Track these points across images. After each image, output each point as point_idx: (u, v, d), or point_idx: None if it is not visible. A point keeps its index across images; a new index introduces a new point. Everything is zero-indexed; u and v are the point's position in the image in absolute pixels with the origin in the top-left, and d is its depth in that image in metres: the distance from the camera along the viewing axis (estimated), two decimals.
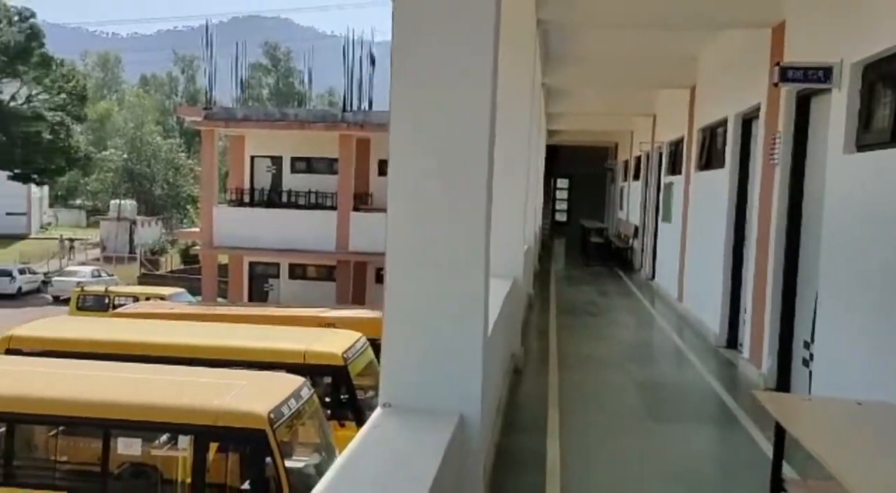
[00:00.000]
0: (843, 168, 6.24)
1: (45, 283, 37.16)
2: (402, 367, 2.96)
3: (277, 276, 26.78)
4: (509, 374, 7.50)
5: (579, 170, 30.21)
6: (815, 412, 4.05)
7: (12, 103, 41.97)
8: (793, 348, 7.55)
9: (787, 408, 4.04)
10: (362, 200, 25.82)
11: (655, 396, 7.81)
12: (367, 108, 26.68)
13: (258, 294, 26.45)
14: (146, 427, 8.15)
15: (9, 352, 10.81)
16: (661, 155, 16.41)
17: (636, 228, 19.54)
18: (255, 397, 8.19)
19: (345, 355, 10.64)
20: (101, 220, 53.64)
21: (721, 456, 6.30)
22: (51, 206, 66.33)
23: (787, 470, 4.50)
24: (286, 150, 27.15)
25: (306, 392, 8.75)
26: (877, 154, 5.67)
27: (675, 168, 14.59)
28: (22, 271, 37.26)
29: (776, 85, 7.13)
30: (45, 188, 57.82)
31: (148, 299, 21.07)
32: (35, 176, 44.93)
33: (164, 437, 8.40)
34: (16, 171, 43.56)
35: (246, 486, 8.00)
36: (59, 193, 66.93)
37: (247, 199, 26.93)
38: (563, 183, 32.31)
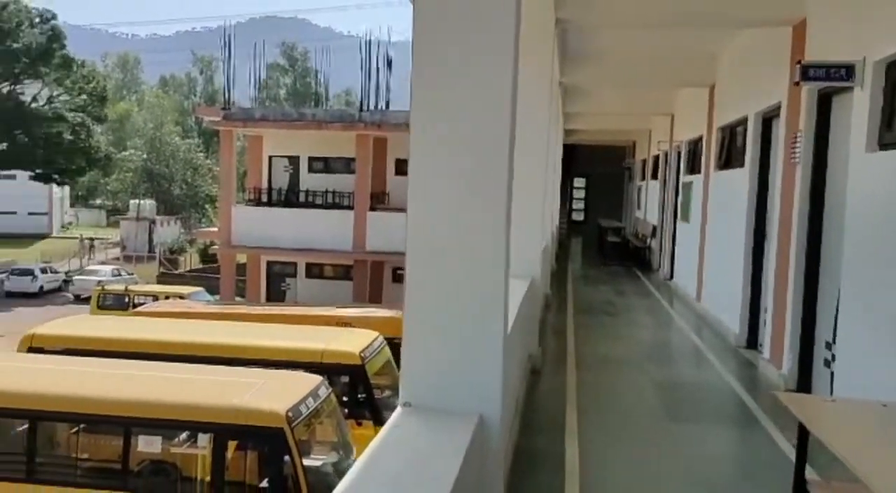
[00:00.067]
0: (865, 167, 6.17)
1: (66, 282, 37.59)
2: (422, 367, 2.96)
3: (295, 275, 26.90)
4: (527, 374, 7.48)
5: (596, 169, 30.10)
6: (839, 413, 4.01)
7: (34, 104, 42.43)
8: (814, 349, 7.48)
9: (811, 409, 4.00)
10: (379, 200, 25.88)
11: (674, 396, 7.76)
12: (384, 107, 26.73)
13: (276, 293, 26.59)
14: (166, 425, 8.22)
15: (31, 350, 10.94)
16: (679, 154, 16.31)
17: (654, 228, 19.44)
18: (274, 395, 8.23)
19: (362, 355, 10.66)
20: (120, 219, 54.21)
21: (741, 457, 6.25)
22: (72, 206, 67.12)
23: (809, 472, 4.45)
24: (304, 149, 27.27)
25: (324, 391, 8.79)
26: None
27: (693, 167, 14.49)
28: (44, 271, 37.72)
29: (797, 84, 7.06)
30: (66, 188, 58.51)
31: (167, 298, 21.24)
32: (56, 176, 45.40)
33: (184, 435, 8.47)
34: (37, 171, 44.04)
35: (264, 484, 8.04)
36: (80, 193, 67.67)
37: (265, 198, 27.08)
38: (580, 182, 32.21)
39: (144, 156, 60.65)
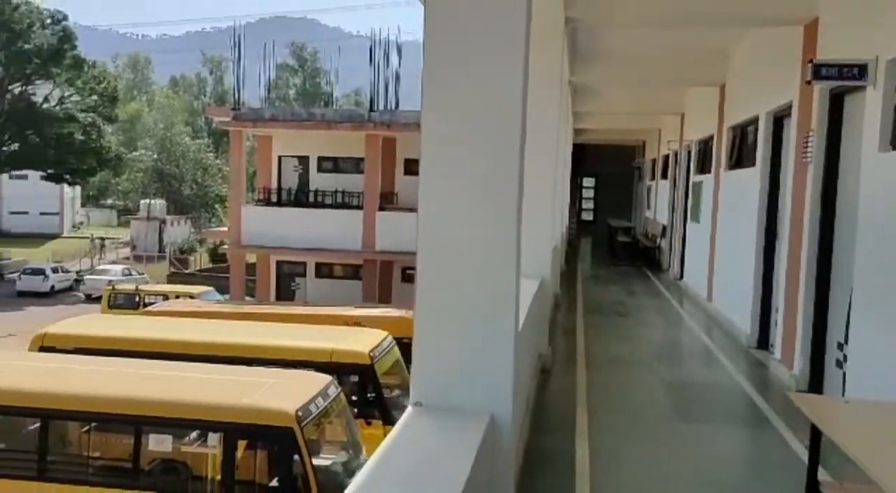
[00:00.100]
0: (878, 166, 6.13)
1: (77, 281, 37.81)
2: (433, 366, 2.96)
3: (304, 275, 26.97)
4: (537, 373, 7.47)
5: (606, 169, 30.04)
6: (852, 414, 3.99)
7: (46, 105, 42.70)
8: (826, 350, 7.43)
9: (823, 410, 3.98)
10: (388, 200, 25.91)
11: (685, 397, 7.73)
12: (393, 107, 26.75)
13: (285, 293, 26.66)
14: (176, 424, 8.26)
15: (43, 349, 11.01)
16: (689, 154, 16.25)
17: (664, 228, 19.38)
18: (283, 395, 8.26)
19: (371, 354, 10.68)
20: (131, 219, 54.48)
21: (753, 458, 6.22)
22: (83, 205, 67.53)
23: (822, 473, 4.43)
24: (313, 149, 27.33)
25: (333, 391, 8.81)
26: None
27: (704, 167, 14.44)
28: (55, 270, 37.94)
29: (809, 83, 7.02)
30: (77, 188, 58.89)
31: (177, 297, 21.33)
32: (67, 176, 45.68)
33: (194, 434, 8.51)
34: (49, 171, 44.32)
35: (274, 483, 8.06)
36: (91, 193, 68.07)
37: (274, 198, 27.16)
38: (589, 182, 32.16)
39: (155, 156, 60.94)
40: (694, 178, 15.47)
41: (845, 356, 6.73)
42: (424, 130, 2.90)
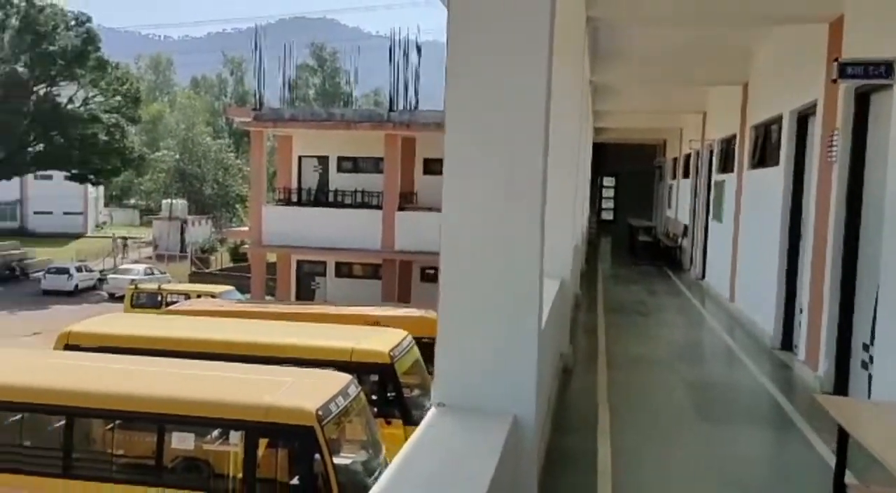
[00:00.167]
0: None
1: (100, 280, 38.22)
2: (456, 367, 2.95)
3: (324, 274, 27.08)
4: (558, 373, 7.44)
5: (626, 168, 29.87)
6: (880, 416, 3.93)
7: (70, 106, 43.18)
8: (851, 351, 7.34)
9: (850, 412, 3.93)
10: (407, 200, 25.94)
11: (708, 397, 7.67)
12: (412, 107, 26.77)
13: (305, 292, 26.78)
14: (198, 422, 8.33)
15: (67, 348, 11.15)
16: (711, 153, 16.12)
17: (685, 227, 19.24)
18: (304, 394, 8.30)
19: (391, 354, 10.70)
20: (153, 219, 54.99)
21: (777, 459, 6.16)
22: (106, 205, 68.26)
23: (847, 476, 4.37)
24: (333, 149, 27.43)
25: (353, 390, 8.84)
26: None
27: (726, 166, 14.31)
28: (79, 269, 38.38)
29: (835, 81, 6.94)
30: (101, 188, 59.51)
31: (199, 296, 21.51)
32: (91, 176, 46.19)
33: (216, 432, 8.57)
34: (73, 171, 44.84)
35: (295, 482, 8.10)
36: (114, 192, 68.79)
37: (294, 198, 27.30)
38: (609, 181, 31.99)
39: (177, 156, 61.46)
40: (716, 177, 15.35)
41: (871, 358, 6.64)
42: (448, 131, 2.90)
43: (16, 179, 49.29)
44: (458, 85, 2.90)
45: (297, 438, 8.00)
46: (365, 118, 26.28)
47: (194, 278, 36.25)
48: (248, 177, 41.67)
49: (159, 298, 22.63)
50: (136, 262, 43.37)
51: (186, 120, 66.35)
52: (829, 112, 7.90)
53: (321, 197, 27.26)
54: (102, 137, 42.74)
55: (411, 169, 26.41)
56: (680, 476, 5.43)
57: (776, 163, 10.23)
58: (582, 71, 8.79)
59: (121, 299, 27.94)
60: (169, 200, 56.22)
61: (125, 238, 51.11)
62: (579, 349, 9.23)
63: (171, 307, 17.85)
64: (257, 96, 27.47)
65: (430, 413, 2.86)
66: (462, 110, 2.93)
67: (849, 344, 7.38)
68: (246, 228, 30.10)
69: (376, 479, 8.27)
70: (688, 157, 19.57)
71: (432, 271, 24.30)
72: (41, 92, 42.73)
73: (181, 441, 8.47)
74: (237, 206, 58.14)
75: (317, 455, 7.86)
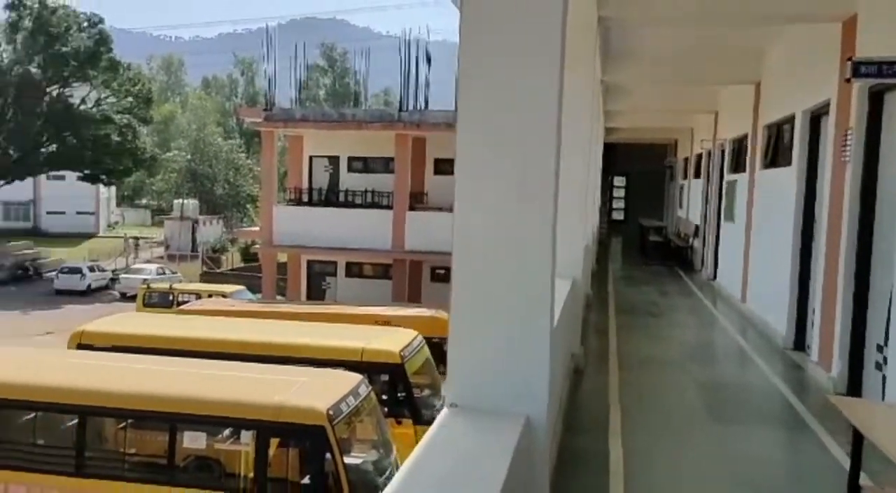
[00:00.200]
0: None
1: (112, 280, 38.44)
2: (468, 368, 2.95)
3: (335, 274, 27.13)
4: (570, 374, 7.43)
5: (637, 167, 29.75)
6: (895, 417, 3.90)
7: (82, 107, 43.44)
8: (865, 351, 7.29)
9: (866, 414, 3.90)
10: (418, 199, 25.96)
11: (720, 398, 7.64)
12: (422, 107, 26.79)
13: (316, 292, 26.84)
14: (209, 421, 8.36)
15: (80, 347, 11.22)
16: (723, 153, 16.05)
17: (697, 227, 19.16)
18: (315, 393, 8.32)
19: (402, 353, 10.72)
20: (164, 219, 55.25)
21: (790, 461, 6.13)
22: (118, 205, 68.65)
23: (862, 477, 4.34)
24: (343, 149, 27.48)
25: (364, 390, 8.85)
26: None
27: (738, 166, 14.25)
28: (91, 269, 38.62)
29: (848, 81, 6.89)
30: (113, 188, 59.83)
31: (210, 296, 21.60)
32: (103, 177, 46.43)
33: (227, 431, 8.60)
34: (85, 172, 45.11)
35: (306, 481, 8.12)
36: (126, 193, 69.16)
37: (305, 198, 27.36)
38: (620, 181, 31.88)
39: (188, 156, 61.74)
40: (728, 177, 15.28)
41: (885, 359, 6.59)
42: (460, 131, 2.90)
43: (29, 180, 49.65)
44: (470, 86, 2.90)
45: (308, 437, 8.02)
46: (375, 118, 26.31)
47: (205, 277, 36.40)
48: (258, 177, 41.82)
49: (171, 297, 22.74)
50: (147, 262, 43.59)
51: (198, 120, 66.64)
52: (843, 111, 7.85)
53: (332, 197, 27.32)
54: (114, 137, 42.98)
55: (422, 169, 26.42)
56: (692, 477, 5.41)
57: (789, 163, 10.18)
58: (593, 71, 8.77)
59: (133, 298, 28.09)
60: (180, 201, 56.49)
61: (137, 238, 51.40)
62: (590, 350, 9.21)
63: (182, 307, 17.93)
64: (268, 97, 27.56)
65: (443, 414, 2.86)
66: (474, 111, 2.92)
67: (863, 345, 7.33)
68: (257, 228, 30.21)
69: (387, 479, 8.30)
70: (699, 157, 19.49)
71: (442, 271, 24.31)
72: (54, 93, 42.99)
73: (193, 440, 8.50)
74: (248, 206, 58.35)
75: (328, 455, 7.87)
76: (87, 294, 36.51)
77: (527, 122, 2.89)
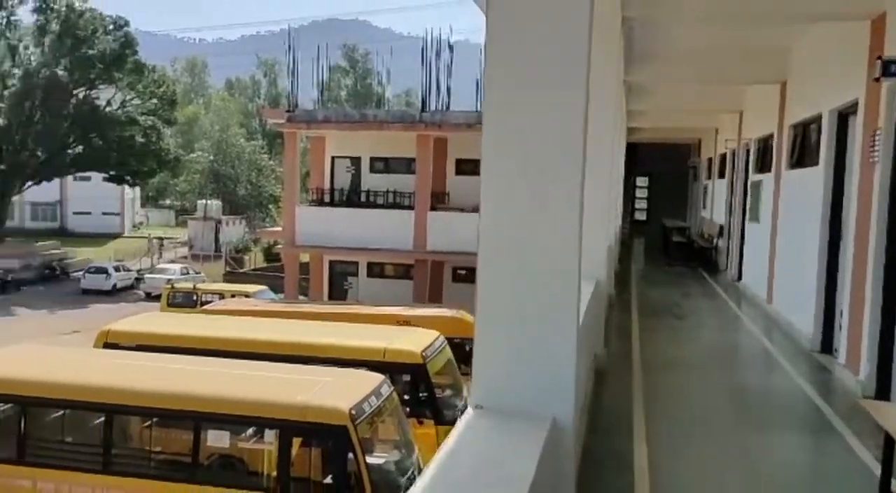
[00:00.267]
0: None
1: (137, 280, 38.90)
2: (494, 369, 2.95)
3: (356, 274, 27.22)
4: (592, 375, 7.39)
5: (659, 168, 29.52)
6: None
7: (108, 109, 44.02)
8: (894, 354, 7.18)
9: None
10: (439, 200, 25.96)
11: (746, 400, 7.57)
12: (444, 108, 26.79)
13: (338, 292, 26.94)
14: (233, 420, 8.42)
15: (106, 346, 11.36)
16: (748, 152, 15.89)
17: (721, 228, 18.98)
18: (337, 393, 8.35)
19: (424, 354, 10.72)
20: (188, 219, 55.77)
21: (817, 464, 6.06)
22: (142, 206, 69.40)
23: (894, 483, 4.28)
24: (365, 150, 27.56)
25: (386, 390, 8.87)
26: None
27: (763, 166, 14.10)
28: (117, 269, 39.13)
29: (877, 80, 6.80)
30: (137, 189, 60.51)
31: (233, 296, 21.76)
32: (128, 178, 47.05)
33: (251, 430, 8.66)
34: (111, 173, 45.74)
35: (328, 480, 8.16)
36: (150, 193, 69.91)
37: (327, 198, 27.47)
38: (642, 181, 31.66)
39: (211, 157, 62.28)
40: (753, 177, 15.12)
41: None
42: (486, 133, 2.89)
43: (56, 181, 50.42)
44: (496, 88, 2.90)
45: (331, 437, 8.05)
46: (397, 119, 26.37)
47: (228, 277, 36.69)
48: (281, 178, 42.07)
49: (195, 297, 22.94)
50: (171, 262, 44.04)
51: (221, 122, 67.22)
52: (871, 111, 7.73)
53: (353, 197, 27.41)
54: (139, 139, 43.52)
55: (443, 169, 26.43)
56: (718, 480, 5.36)
57: (816, 163, 10.05)
58: (617, 71, 8.72)
59: (157, 298, 28.39)
60: (204, 201, 56.99)
61: (161, 238, 51.94)
62: (613, 351, 9.15)
63: (206, 307, 18.09)
64: (290, 98, 27.73)
65: (469, 415, 2.86)
66: (500, 110, 2.92)
67: (892, 347, 7.22)
68: (279, 229, 30.39)
69: (409, 479, 8.30)
70: (723, 156, 19.31)
71: (464, 272, 24.30)
72: (81, 95, 43.61)
73: (217, 439, 8.57)
74: (270, 206, 58.74)
75: (350, 454, 7.90)
76: (113, 294, 36.96)
77: (553, 122, 2.88)
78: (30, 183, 45.12)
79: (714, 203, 21.21)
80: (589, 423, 6.04)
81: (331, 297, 26.41)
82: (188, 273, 35.94)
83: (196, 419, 8.48)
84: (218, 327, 12.40)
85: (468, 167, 25.00)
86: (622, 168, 17.87)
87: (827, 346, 9.32)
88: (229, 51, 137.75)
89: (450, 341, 11.64)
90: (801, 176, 10.89)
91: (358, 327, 12.75)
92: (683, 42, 11.84)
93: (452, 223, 22.47)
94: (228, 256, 43.65)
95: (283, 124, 26.31)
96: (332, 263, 27.11)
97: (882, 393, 7.22)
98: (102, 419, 8.85)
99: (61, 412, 9.17)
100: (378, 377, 9.04)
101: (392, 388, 9.11)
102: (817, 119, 10.13)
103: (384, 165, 27.80)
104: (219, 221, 51.26)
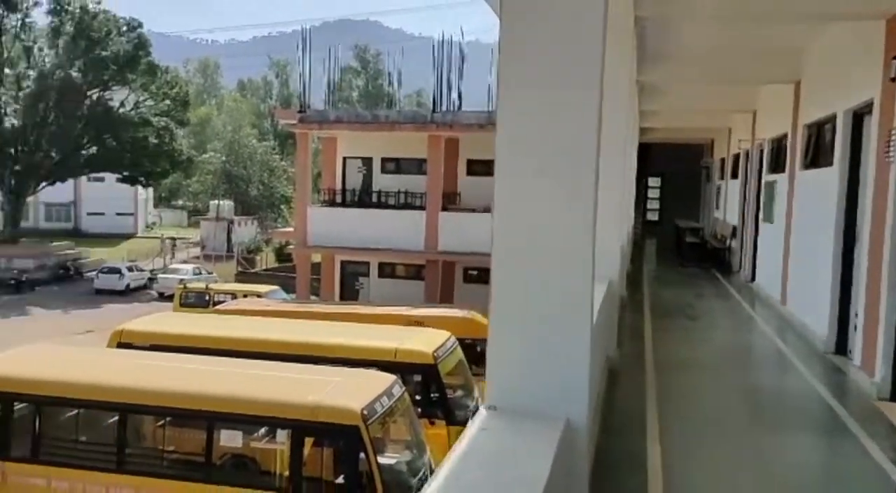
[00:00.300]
0: None
1: (150, 280, 39.12)
2: (508, 370, 2.94)
3: (368, 274, 27.24)
4: (605, 375, 7.37)
5: (672, 168, 29.39)
6: None
7: (121, 110, 44.33)
8: None
9: None
10: (451, 200, 25.95)
11: (759, 402, 7.52)
12: (455, 108, 26.77)
13: (349, 292, 26.98)
14: (245, 420, 8.45)
15: (120, 345, 11.43)
16: (761, 153, 15.80)
17: (734, 229, 18.88)
18: (349, 393, 8.37)
19: (435, 354, 10.72)
20: (200, 220, 56.03)
21: (831, 466, 6.01)
22: (155, 206, 69.82)
23: None
24: (376, 151, 27.59)
25: (398, 390, 8.88)
26: None
27: (777, 166, 14.02)
28: (130, 269, 39.35)
29: (893, 80, 6.75)
30: (150, 190, 60.89)
31: (245, 296, 21.84)
32: (141, 178, 47.34)
33: (263, 430, 8.69)
34: (124, 174, 46.04)
35: (340, 480, 8.17)
36: (163, 194, 70.32)
37: (339, 199, 27.50)
38: (654, 182, 31.54)
39: (223, 158, 62.58)
40: (766, 177, 15.03)
41: None
42: (499, 134, 2.89)
43: (70, 181, 50.79)
44: (509, 89, 2.89)
45: (343, 437, 8.07)
46: (408, 119, 26.37)
47: (240, 277, 36.82)
48: (293, 178, 42.19)
49: (207, 297, 23.04)
50: (184, 262, 44.25)
51: (233, 122, 67.55)
52: (887, 111, 7.67)
53: (365, 198, 27.44)
54: (152, 139, 43.79)
55: (455, 170, 26.41)
56: (732, 481, 5.34)
57: (830, 163, 9.98)
58: (630, 71, 8.69)
59: (170, 298, 28.52)
60: (216, 202, 57.23)
61: (174, 239, 52.22)
62: (626, 352, 9.12)
63: (218, 307, 18.16)
64: (302, 99, 27.78)
65: (483, 416, 2.86)
66: (513, 110, 2.91)
67: None
68: (291, 229, 30.46)
69: (420, 479, 8.30)
70: (736, 157, 19.21)
71: (475, 272, 24.28)
72: (94, 96, 43.92)
73: (229, 439, 8.60)
74: (282, 207, 58.92)
75: (361, 454, 7.91)
76: (126, 294, 37.17)
77: (567, 124, 2.87)
78: (44, 184, 45.47)
79: (727, 204, 21.11)
80: (602, 423, 6.03)
81: (342, 297, 26.45)
82: (200, 273, 36.10)
83: (209, 418, 8.51)
84: (230, 327, 12.45)
85: (479, 168, 24.97)
86: (635, 168, 17.82)
87: (841, 347, 9.26)
88: (241, 52, 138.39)
89: (461, 341, 11.63)
90: (816, 176, 10.82)
91: (369, 327, 12.77)
92: (696, 41, 11.79)
93: (463, 224, 22.46)
94: (240, 256, 43.81)
95: (294, 125, 26.37)
96: (343, 263, 27.16)
97: None
98: (116, 418, 8.90)
99: (75, 412, 9.23)
100: (389, 378, 9.05)
101: (403, 388, 9.12)
102: (832, 119, 10.06)
103: (395, 165, 27.82)
104: (231, 222, 51.47)
